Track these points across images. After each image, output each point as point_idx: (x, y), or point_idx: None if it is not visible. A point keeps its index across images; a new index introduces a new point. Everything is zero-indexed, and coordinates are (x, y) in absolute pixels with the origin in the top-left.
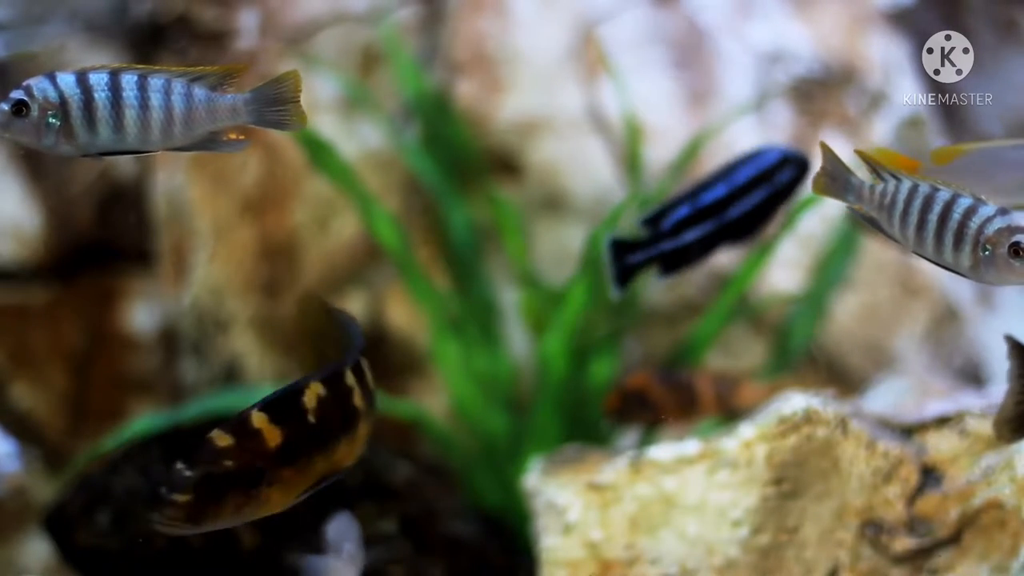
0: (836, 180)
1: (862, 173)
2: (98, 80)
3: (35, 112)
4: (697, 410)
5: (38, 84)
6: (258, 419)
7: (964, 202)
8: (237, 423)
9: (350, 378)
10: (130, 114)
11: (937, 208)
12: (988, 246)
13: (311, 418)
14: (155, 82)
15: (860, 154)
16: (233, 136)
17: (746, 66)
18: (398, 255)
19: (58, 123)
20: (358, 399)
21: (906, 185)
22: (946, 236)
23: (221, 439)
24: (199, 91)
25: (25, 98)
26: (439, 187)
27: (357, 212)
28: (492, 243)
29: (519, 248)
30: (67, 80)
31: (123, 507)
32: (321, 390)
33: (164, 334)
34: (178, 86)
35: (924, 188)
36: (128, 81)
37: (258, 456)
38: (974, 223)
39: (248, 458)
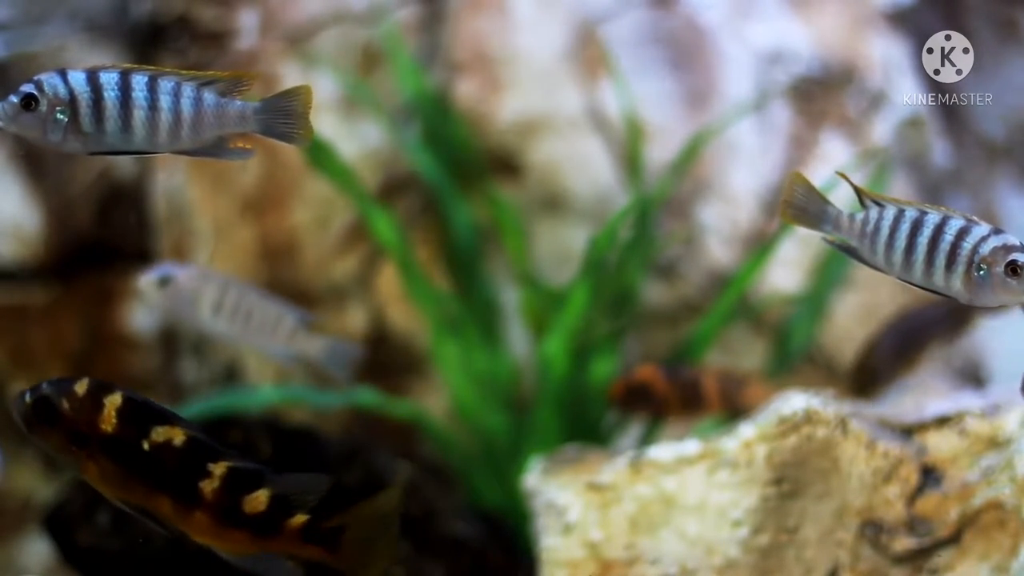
0: (808, 211)
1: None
2: (108, 79)
3: (44, 107)
4: (701, 407)
5: (48, 79)
6: (111, 399)
7: (955, 223)
8: (99, 385)
9: (219, 470)
10: (139, 115)
11: (927, 231)
12: (983, 266)
13: (146, 446)
14: (165, 84)
15: (842, 176)
16: (240, 144)
17: (746, 66)
18: (398, 255)
19: (66, 119)
20: (211, 492)
21: (891, 211)
22: (937, 259)
23: (80, 386)
24: (209, 96)
25: (35, 92)
26: (439, 187)
27: (356, 212)
28: (492, 243)
29: (519, 248)
30: (78, 77)
31: None
32: (179, 441)
33: (164, 334)
34: (188, 89)
35: (911, 212)
36: (138, 81)
37: (83, 424)
38: (967, 244)
39: (75, 417)
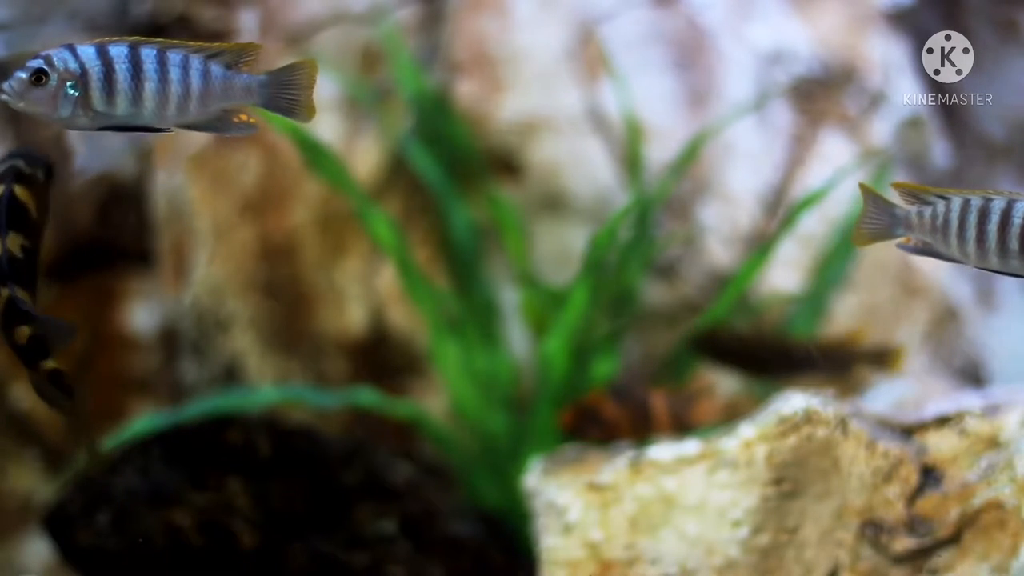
0: (881, 221)
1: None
2: (118, 52)
3: (54, 81)
4: (651, 427)
5: (58, 54)
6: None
7: (1022, 205)
8: (19, 173)
9: (4, 294)
10: (149, 87)
11: (995, 217)
12: None
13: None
14: (174, 57)
15: (898, 186)
16: (244, 118)
17: (746, 66)
18: (397, 255)
19: (77, 94)
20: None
21: (957, 202)
22: (1010, 242)
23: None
24: (216, 68)
25: (44, 67)
26: (439, 187)
27: (355, 213)
28: (492, 243)
29: (519, 248)
30: (87, 51)
31: (123, 507)
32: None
33: (164, 334)
34: (195, 62)
35: (976, 201)
36: (148, 55)
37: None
38: None
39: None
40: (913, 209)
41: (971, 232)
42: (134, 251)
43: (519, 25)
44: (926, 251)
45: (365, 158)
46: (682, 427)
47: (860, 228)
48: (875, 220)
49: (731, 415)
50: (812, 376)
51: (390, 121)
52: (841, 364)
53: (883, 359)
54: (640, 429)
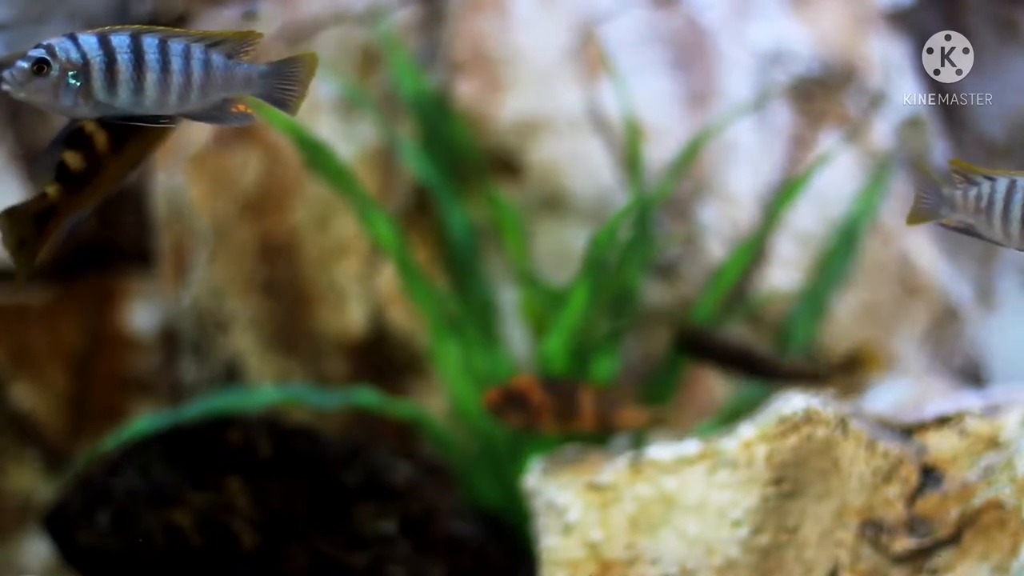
0: (931, 201)
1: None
2: (120, 42)
3: (56, 71)
4: (575, 422)
5: (60, 44)
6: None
7: None
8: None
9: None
10: (151, 77)
11: None
12: None
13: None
14: (175, 46)
15: (955, 164)
16: (242, 107)
17: (746, 66)
18: (396, 256)
19: (79, 84)
20: None
21: (1003, 183)
22: None
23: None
24: (217, 58)
25: (46, 57)
26: (435, 187)
27: (355, 213)
28: (492, 243)
29: (519, 248)
30: (89, 41)
31: (123, 507)
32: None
33: (164, 334)
34: (197, 51)
35: (1022, 182)
36: (150, 44)
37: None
38: None
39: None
40: (959, 190)
41: (1016, 213)
42: (134, 251)
43: (519, 25)
44: (967, 231)
45: (364, 159)
46: (606, 428)
47: (915, 207)
48: (926, 200)
49: (657, 425)
50: (792, 385)
51: (387, 122)
52: (815, 377)
53: (856, 364)
54: (564, 421)
